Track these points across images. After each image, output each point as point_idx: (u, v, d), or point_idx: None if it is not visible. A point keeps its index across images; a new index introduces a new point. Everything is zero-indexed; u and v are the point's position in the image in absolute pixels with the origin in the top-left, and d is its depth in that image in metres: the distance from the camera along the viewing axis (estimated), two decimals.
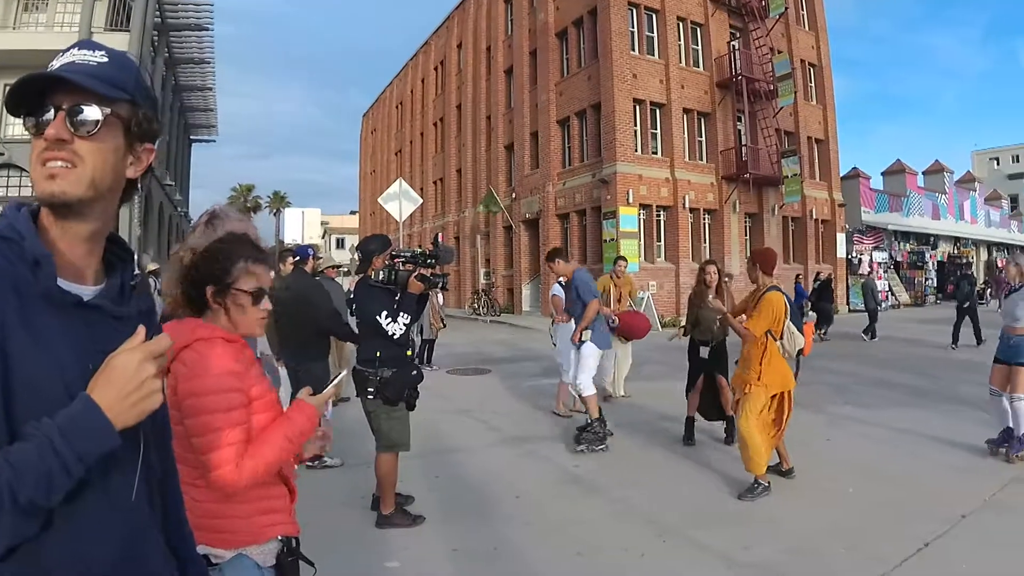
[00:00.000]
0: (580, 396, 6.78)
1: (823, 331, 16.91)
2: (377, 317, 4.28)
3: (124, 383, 0.96)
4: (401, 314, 4.31)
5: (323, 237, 63.71)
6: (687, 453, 6.43)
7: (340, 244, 61.30)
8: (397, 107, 43.07)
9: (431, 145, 37.25)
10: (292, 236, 18.50)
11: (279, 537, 1.84)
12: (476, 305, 27.32)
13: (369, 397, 4.38)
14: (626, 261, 9.66)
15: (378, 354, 4.35)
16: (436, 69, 36.86)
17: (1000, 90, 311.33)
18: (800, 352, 5.41)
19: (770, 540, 4.26)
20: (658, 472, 5.85)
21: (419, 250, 4.56)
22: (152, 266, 11.47)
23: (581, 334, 6.70)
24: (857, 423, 7.44)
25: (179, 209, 34.40)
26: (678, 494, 5.23)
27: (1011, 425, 5.99)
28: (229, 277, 1.76)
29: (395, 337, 4.31)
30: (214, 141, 43.82)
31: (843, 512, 4.73)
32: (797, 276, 22.26)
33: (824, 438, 6.81)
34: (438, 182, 36.21)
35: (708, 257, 21.42)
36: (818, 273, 20.70)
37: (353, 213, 59.83)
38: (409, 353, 4.57)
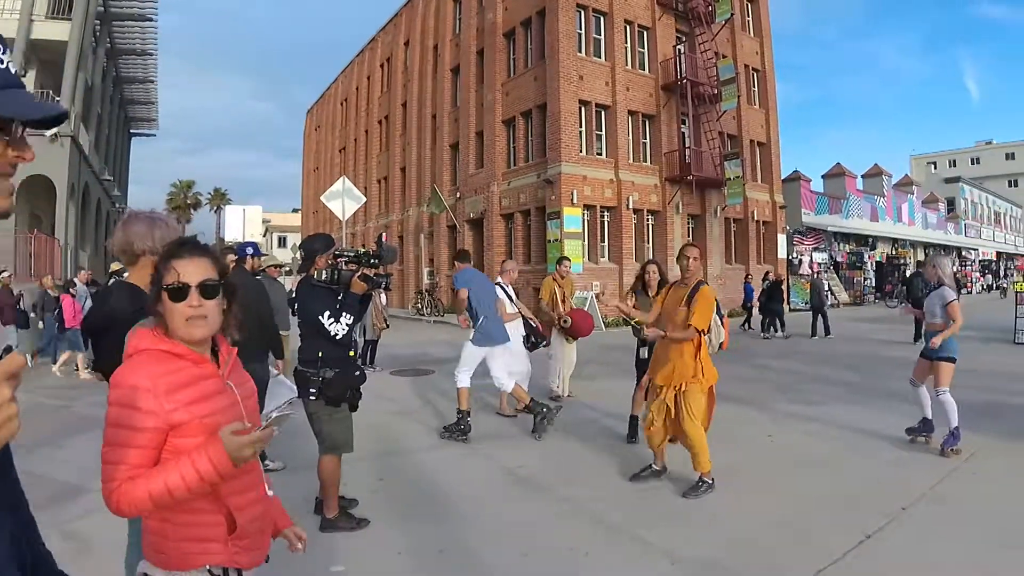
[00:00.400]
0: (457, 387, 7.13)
1: (781, 331, 17.72)
2: (320, 317, 4.21)
3: None
4: (344, 314, 4.24)
5: (265, 235, 62.52)
6: (631, 451, 6.42)
7: (282, 243, 60.17)
8: (342, 104, 42.42)
9: (376, 143, 36.75)
10: (233, 234, 18.10)
11: (207, 567, 1.73)
12: (420, 305, 27.04)
13: (311, 398, 4.31)
14: (569, 261, 9.61)
15: (320, 354, 4.30)
16: (382, 66, 36.39)
17: (938, 96, 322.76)
18: (720, 345, 5.50)
19: (713, 536, 4.31)
20: (602, 471, 5.85)
21: (362, 250, 4.47)
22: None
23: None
24: (800, 420, 7.56)
25: (117, 205, 33.34)
26: (622, 492, 5.24)
27: (928, 416, 6.41)
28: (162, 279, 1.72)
29: (337, 337, 4.25)
30: (154, 135, 42.86)
31: (786, 507, 4.81)
32: (746, 276, 22.77)
33: (767, 435, 6.91)
34: (382, 180, 35.79)
35: (650, 257, 21.64)
36: (767, 273, 20.99)
37: (296, 211, 58.79)
38: (352, 354, 4.54)
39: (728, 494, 5.08)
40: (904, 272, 31.01)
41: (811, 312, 18.24)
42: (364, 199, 20.74)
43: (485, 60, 25.91)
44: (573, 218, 21.23)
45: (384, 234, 30.89)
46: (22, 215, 18.86)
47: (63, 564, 1.34)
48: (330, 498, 4.43)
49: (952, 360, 6.28)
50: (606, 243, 22.82)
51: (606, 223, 22.87)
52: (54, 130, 18.50)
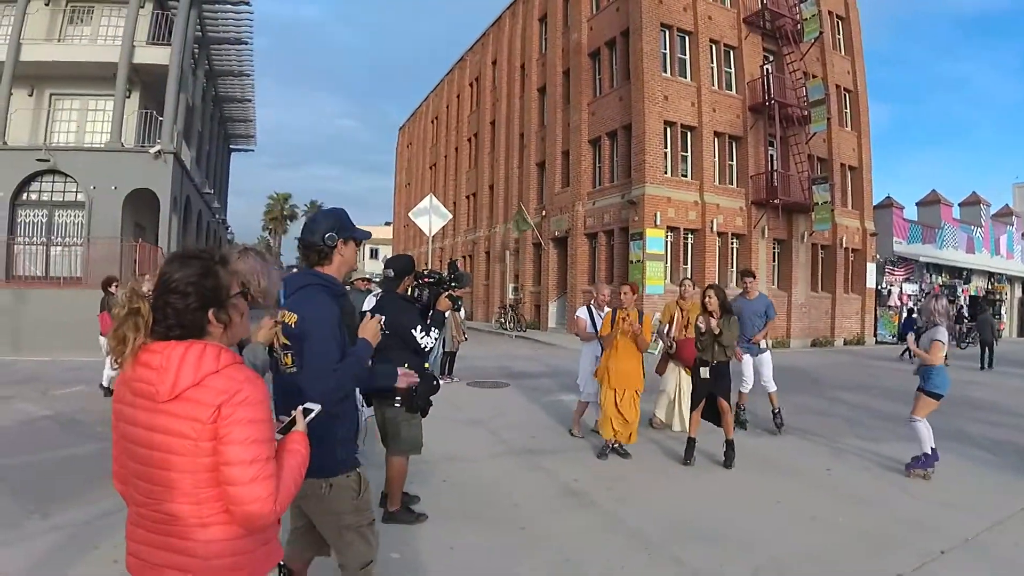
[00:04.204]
0: None
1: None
2: (412, 331, 4.57)
3: None
4: (433, 328, 4.64)
5: (358, 247, 64.22)
6: (684, 472, 6.57)
7: (374, 255, 61.86)
8: (433, 121, 43.66)
9: (465, 160, 37.71)
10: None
11: (280, 564, 1.90)
12: (503, 320, 27.49)
13: (396, 406, 4.69)
14: (692, 282, 9.09)
15: (406, 365, 4.55)
16: (471, 85, 37.35)
17: None
18: None
19: (743, 560, 4.40)
20: (652, 489, 6.03)
21: (443, 274, 4.92)
22: None
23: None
24: (859, 455, 7.45)
25: (217, 216, 35.13)
26: (666, 511, 5.40)
27: (928, 450, 6.53)
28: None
29: (427, 349, 4.65)
30: (253, 150, 44.83)
31: (824, 539, 4.84)
32: (910, 310, 23.86)
33: (825, 468, 6.86)
34: (471, 197, 36.64)
35: (735, 280, 21.49)
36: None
37: (387, 224, 60.39)
38: (427, 365, 4.84)
39: (771, 520, 5.19)
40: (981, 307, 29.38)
41: (979, 345, 19.07)
42: (450, 216, 21.26)
43: (571, 80, 26.32)
44: (656, 239, 21.29)
45: (458, 260, 31.54)
46: (128, 226, 20.13)
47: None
48: (395, 494, 4.86)
49: (935, 396, 6.53)
50: (689, 265, 22.73)
51: (689, 245, 22.81)
52: (158, 147, 19.85)
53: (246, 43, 28.06)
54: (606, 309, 7.76)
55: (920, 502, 5.79)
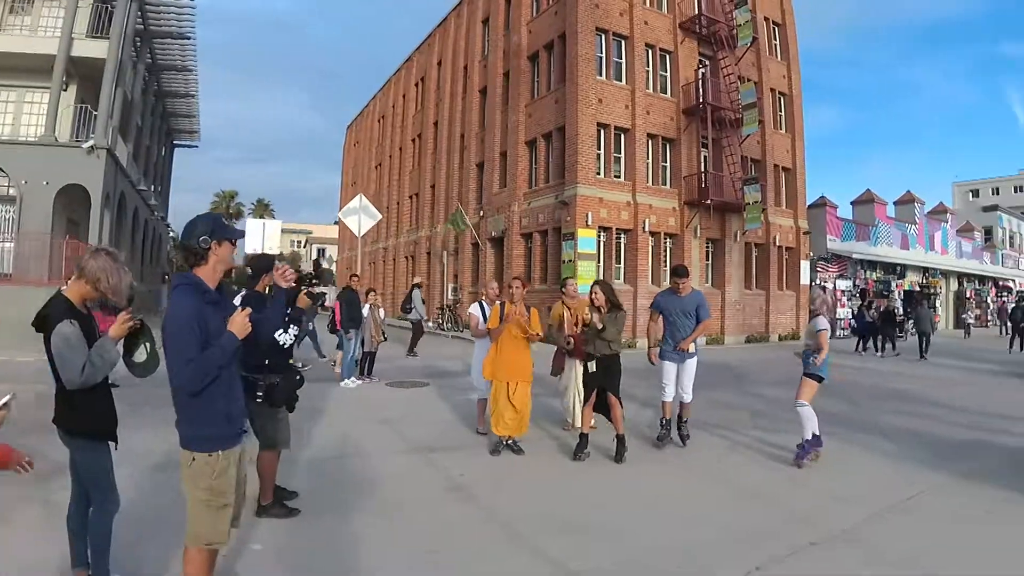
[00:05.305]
0: None
1: (894, 350, 21.32)
2: None
3: None
4: (292, 326, 4.88)
5: (304, 246, 64.07)
6: (574, 467, 6.68)
7: (321, 254, 61.49)
8: (379, 120, 43.49)
9: (409, 160, 37.66)
10: (252, 246, 18.74)
11: None
12: (441, 320, 27.60)
13: (257, 401, 4.76)
14: (574, 281, 9.10)
15: (267, 362, 4.77)
16: (417, 85, 37.32)
17: (984, 123, 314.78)
18: None
19: (607, 552, 4.48)
20: (537, 484, 6.16)
21: (304, 271, 5.08)
22: None
23: None
24: (757, 448, 7.56)
25: (156, 213, 34.66)
26: (544, 505, 5.50)
27: (810, 435, 6.74)
28: None
29: (285, 347, 4.86)
30: (196, 147, 44.29)
31: (697, 532, 4.88)
32: (859, 306, 25.33)
33: (717, 461, 7.02)
34: (414, 197, 36.60)
35: (668, 279, 21.79)
36: (871, 302, 24.84)
37: (336, 223, 60.06)
38: (291, 361, 5.08)
39: (650, 515, 5.26)
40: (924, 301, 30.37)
41: (918, 336, 20.77)
42: (380, 216, 21.32)
43: (511, 82, 26.46)
44: (587, 239, 21.55)
45: (321, 258, 31.58)
46: (59, 221, 19.86)
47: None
48: (266, 488, 4.99)
49: (818, 378, 6.85)
50: (622, 265, 23.03)
51: (622, 245, 23.10)
52: (91, 142, 19.60)
53: (189, 38, 27.77)
54: (497, 303, 7.81)
55: (808, 493, 5.90)
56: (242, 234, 7.31)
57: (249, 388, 4.73)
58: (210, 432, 3.07)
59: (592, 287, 7.21)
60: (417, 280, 20.39)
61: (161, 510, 4.69)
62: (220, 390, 3.08)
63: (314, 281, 5.09)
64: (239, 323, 3.13)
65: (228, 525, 3.16)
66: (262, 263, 5.09)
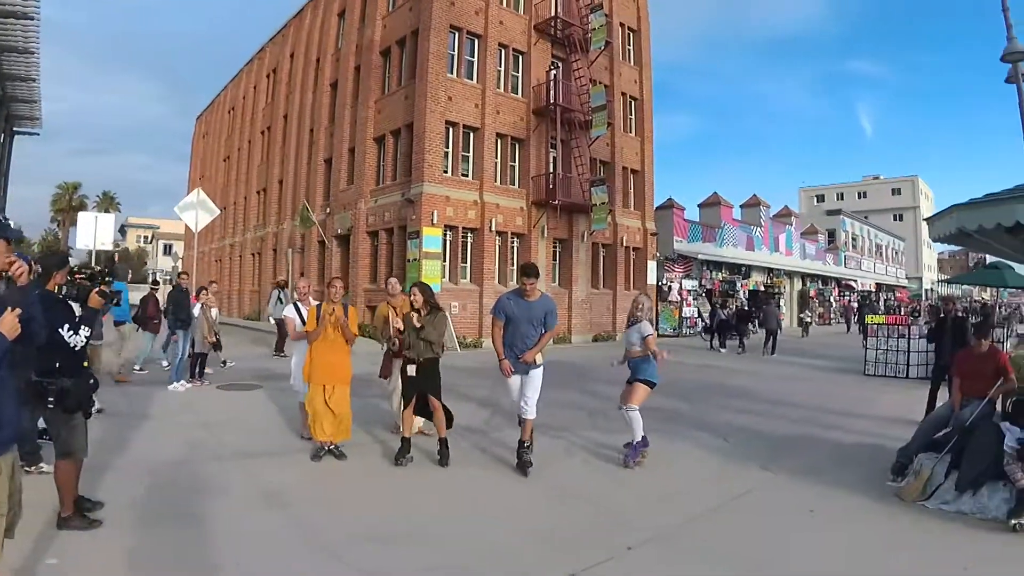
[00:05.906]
0: None
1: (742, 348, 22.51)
2: (59, 329, 4.42)
3: None
4: (83, 327, 4.58)
5: (150, 242, 60.50)
6: (396, 473, 6.48)
7: (167, 250, 58.29)
8: (229, 112, 41.46)
9: (257, 154, 36.05)
10: (84, 241, 17.46)
11: None
12: None
13: (49, 407, 4.51)
14: (395, 280, 8.86)
15: (57, 365, 4.49)
16: (268, 76, 35.85)
17: (832, 133, 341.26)
18: None
19: (417, 560, 4.33)
20: (355, 490, 5.94)
21: (96, 268, 4.89)
22: None
23: None
24: (590, 449, 7.52)
25: None
26: (358, 512, 5.30)
27: (638, 437, 6.79)
28: None
29: (76, 349, 4.55)
30: (38, 134, 40.97)
31: (516, 538, 4.77)
32: (714, 304, 26.64)
33: (548, 464, 6.78)
34: (261, 192, 35.08)
35: (515, 278, 21.86)
36: (726, 302, 26.93)
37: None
38: (85, 364, 4.78)
39: (469, 522, 5.11)
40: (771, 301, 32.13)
41: (764, 334, 22.05)
42: (218, 212, 20.32)
43: (362, 76, 25.82)
44: (433, 238, 21.24)
45: (116, 255, 30.37)
46: None
47: None
48: (65, 499, 4.69)
49: (649, 384, 6.91)
50: (468, 264, 22.90)
51: (468, 244, 22.96)
52: None
53: (32, 18, 25.51)
54: (312, 303, 7.64)
55: (634, 495, 5.87)
56: (19, 234, 6.88)
57: (41, 393, 4.51)
58: None
59: (411, 288, 7.13)
60: (282, 278, 20.04)
61: None
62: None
63: (107, 279, 4.77)
64: (8, 324, 2.97)
65: (1, 537, 2.99)
66: (51, 260, 4.88)
